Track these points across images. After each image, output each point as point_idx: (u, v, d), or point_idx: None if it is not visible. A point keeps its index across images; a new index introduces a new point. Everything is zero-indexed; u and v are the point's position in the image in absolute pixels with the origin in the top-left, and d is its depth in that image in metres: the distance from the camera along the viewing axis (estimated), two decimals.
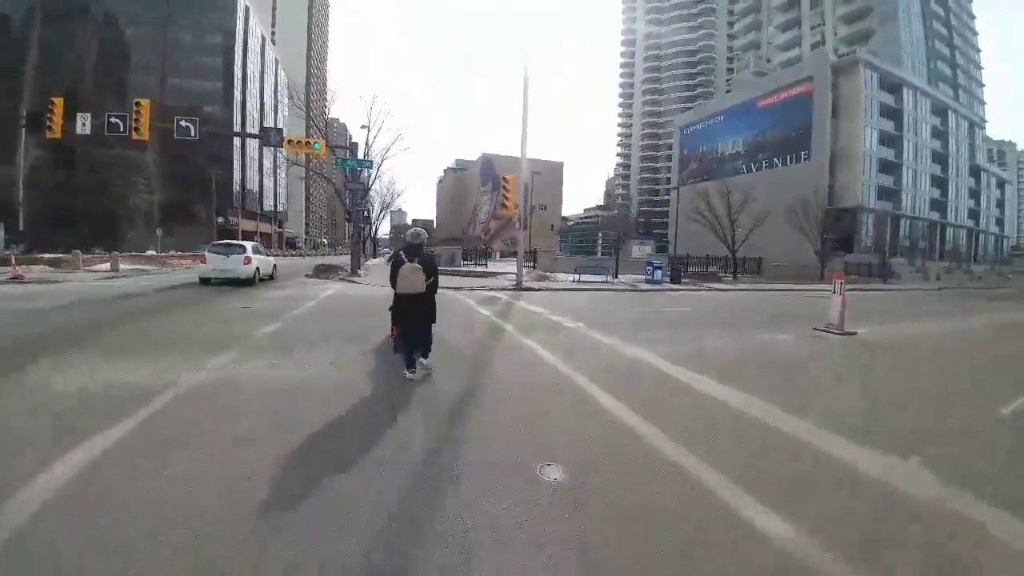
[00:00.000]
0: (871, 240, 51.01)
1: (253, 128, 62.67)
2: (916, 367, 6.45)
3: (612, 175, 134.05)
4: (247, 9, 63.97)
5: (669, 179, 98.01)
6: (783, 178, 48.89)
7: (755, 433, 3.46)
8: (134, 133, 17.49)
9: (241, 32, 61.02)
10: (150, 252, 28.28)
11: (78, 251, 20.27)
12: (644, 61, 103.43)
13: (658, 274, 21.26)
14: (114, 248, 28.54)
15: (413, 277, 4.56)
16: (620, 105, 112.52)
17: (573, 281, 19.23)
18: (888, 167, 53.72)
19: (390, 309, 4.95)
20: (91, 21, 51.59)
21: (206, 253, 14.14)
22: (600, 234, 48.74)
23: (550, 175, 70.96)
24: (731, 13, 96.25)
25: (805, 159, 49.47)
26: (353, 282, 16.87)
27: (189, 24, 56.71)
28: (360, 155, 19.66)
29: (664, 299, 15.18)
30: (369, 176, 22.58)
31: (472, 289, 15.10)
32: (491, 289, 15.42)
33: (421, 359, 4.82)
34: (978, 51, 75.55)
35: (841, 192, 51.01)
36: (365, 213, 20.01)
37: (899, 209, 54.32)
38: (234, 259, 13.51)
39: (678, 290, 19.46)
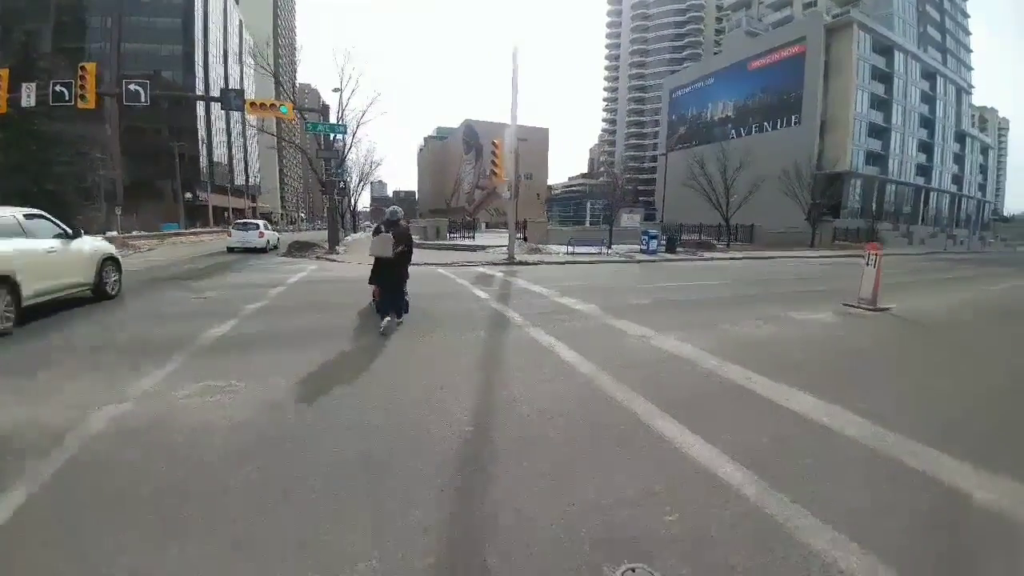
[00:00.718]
0: (859, 205, 50.98)
1: (214, 108, 58.59)
2: (989, 351, 5.65)
3: (596, 142, 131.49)
4: None
5: (655, 146, 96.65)
6: (773, 143, 47.86)
7: (920, 492, 2.50)
8: (79, 101, 15.56)
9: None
10: (112, 233, 26.13)
11: None
12: (632, 20, 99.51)
13: (653, 244, 20.34)
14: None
15: (382, 243, 5.63)
16: (606, 69, 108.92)
17: (567, 253, 18.19)
18: (877, 131, 53.21)
19: (372, 281, 6.09)
20: None
21: (231, 229, 19.79)
22: (589, 203, 47.40)
23: (535, 142, 68.69)
24: None
25: (796, 123, 48.40)
26: (331, 260, 15.51)
27: None
28: (333, 119, 17.89)
29: (667, 271, 14.25)
30: (344, 143, 20.83)
31: (462, 265, 13.93)
32: (483, 264, 14.27)
33: (396, 317, 5.82)
34: (967, 16, 74.73)
35: (830, 157, 50.43)
36: (341, 184, 18.39)
37: (886, 174, 54.23)
38: (252, 233, 18.44)
39: (676, 260, 18.61)
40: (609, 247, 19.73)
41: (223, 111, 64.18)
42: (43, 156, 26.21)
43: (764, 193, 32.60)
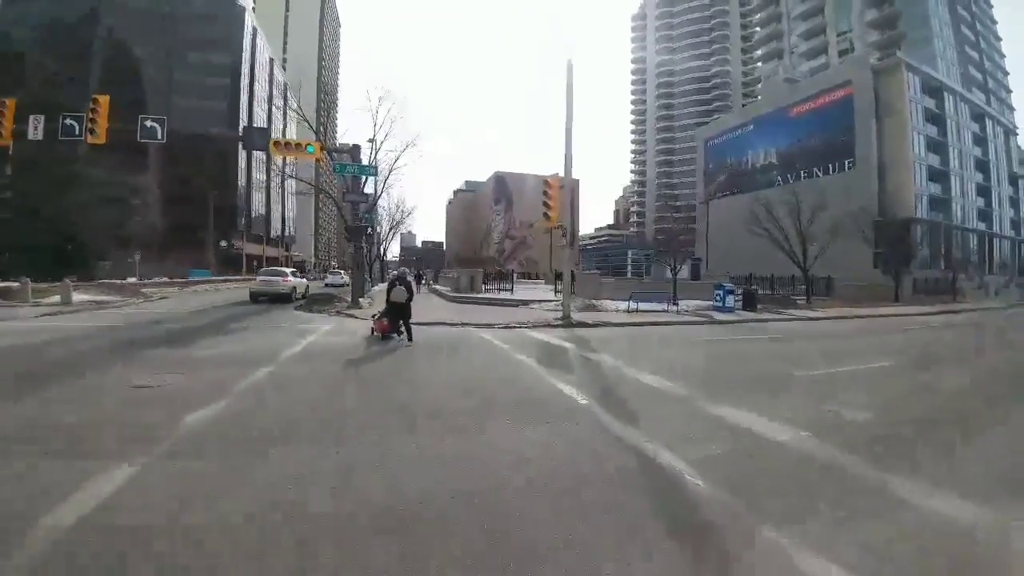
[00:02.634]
0: (928, 254, 46.69)
1: (258, 155, 60.60)
2: None
3: (622, 194, 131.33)
4: (255, 30, 62.81)
5: (680, 195, 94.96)
6: (825, 189, 44.79)
7: None
8: (89, 135, 14.40)
9: (248, 51, 59.57)
10: (132, 279, 24.95)
11: (27, 279, 16.88)
12: (656, 88, 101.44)
13: (730, 300, 17.18)
14: (90, 276, 25.31)
15: (398, 294, 8.75)
16: (633, 123, 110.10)
17: (629, 311, 15.24)
18: (936, 175, 49.85)
19: (374, 316, 9.34)
20: (97, 41, 50.02)
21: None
22: (630, 252, 44.76)
23: (566, 191, 67.69)
24: (745, 28, 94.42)
25: (850, 167, 45.46)
26: (352, 316, 13.03)
27: (195, 43, 55.31)
28: (365, 162, 16.11)
29: (786, 342, 10.99)
30: (375, 186, 19.11)
31: (508, 327, 11.15)
32: (533, 326, 11.45)
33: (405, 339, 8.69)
34: (1002, 56, 73.07)
35: (891, 202, 47.07)
36: (369, 230, 16.33)
37: (950, 219, 50.16)
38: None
39: (765, 320, 15.31)
40: (675, 303, 16.68)
41: (265, 162, 66.76)
42: (63, 201, 25.71)
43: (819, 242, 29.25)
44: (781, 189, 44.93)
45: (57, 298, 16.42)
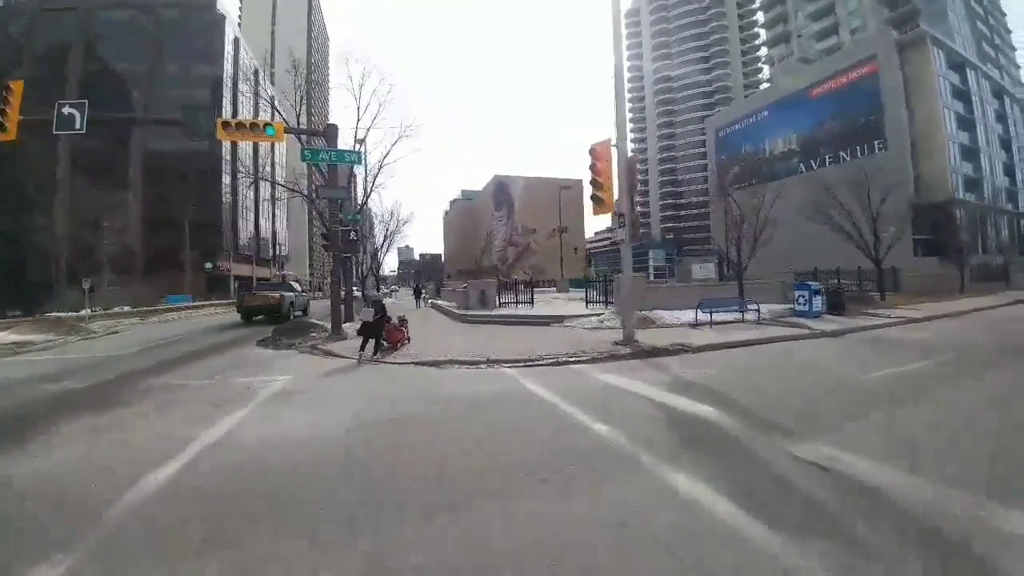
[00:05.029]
0: (968, 238, 43.17)
1: (245, 167, 57.37)
2: None
3: (618, 195, 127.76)
4: (236, 40, 59.89)
5: (684, 193, 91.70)
6: (855, 173, 41.37)
7: None
8: None
9: (230, 62, 56.56)
10: (85, 311, 21.36)
11: None
12: (655, 84, 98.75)
13: (817, 303, 13.52)
14: (37, 307, 21.76)
15: (367, 314, 9.07)
16: (632, 120, 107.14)
17: (698, 324, 11.60)
18: (967, 153, 46.61)
19: (358, 331, 9.05)
20: (73, 56, 46.86)
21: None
22: (651, 252, 41.22)
23: (571, 194, 64.19)
24: (743, 19, 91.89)
25: (881, 149, 41.95)
26: (330, 354, 9.36)
27: (174, 55, 52.36)
28: (347, 147, 12.55)
29: (943, 361, 7.33)
30: (364, 186, 15.60)
31: (559, 362, 7.48)
32: (593, 359, 7.74)
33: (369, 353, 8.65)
34: (1009, 32, 70.85)
35: (926, 184, 43.74)
36: (353, 235, 12.69)
37: (982, 200, 46.83)
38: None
39: (876, 327, 11.66)
40: (747, 309, 13.02)
41: (253, 178, 63.46)
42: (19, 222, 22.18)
43: (821, 231, 25.53)
44: (806, 176, 41.61)
45: None
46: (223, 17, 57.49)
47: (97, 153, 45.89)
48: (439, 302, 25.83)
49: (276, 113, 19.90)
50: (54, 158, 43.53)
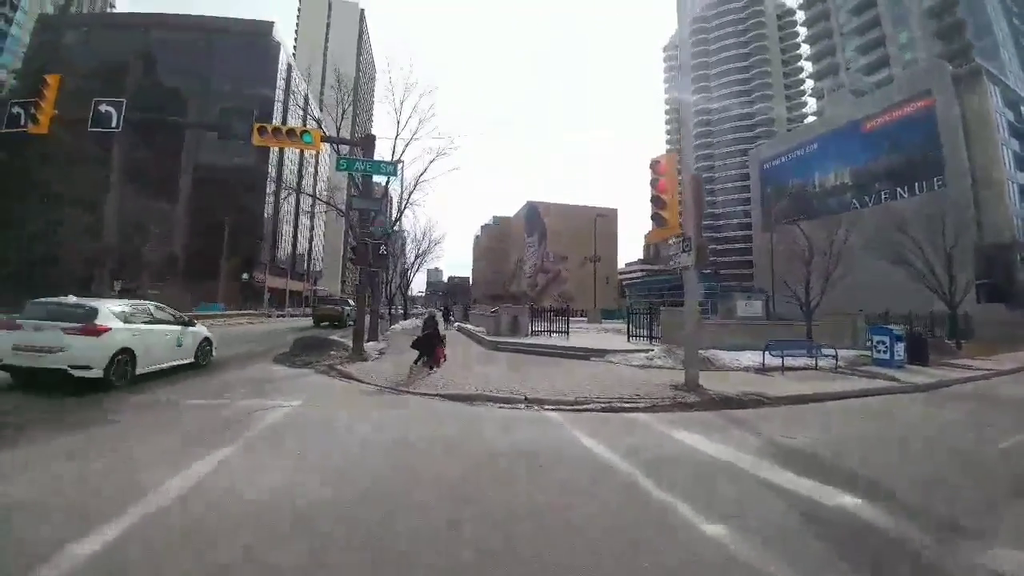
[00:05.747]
0: None
1: (286, 189, 59.46)
2: None
3: (652, 227, 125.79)
4: (290, 66, 63.04)
5: (723, 227, 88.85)
6: (911, 211, 38.71)
7: None
8: (31, 122, 11.33)
9: (282, 84, 59.29)
10: None
11: None
12: (695, 116, 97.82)
13: (899, 350, 11.75)
14: None
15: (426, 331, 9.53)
16: (668, 152, 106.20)
17: (767, 371, 10.08)
18: None
19: (413, 344, 9.56)
20: (131, 72, 50.00)
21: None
22: (703, 284, 39.09)
23: (605, 223, 63.09)
24: (785, 53, 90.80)
25: (940, 186, 39.24)
26: (349, 378, 8.38)
27: (229, 77, 55.36)
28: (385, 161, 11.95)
29: None
30: (399, 201, 15.02)
31: (611, 407, 6.22)
32: (652, 406, 6.44)
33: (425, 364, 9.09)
34: None
35: (987, 225, 40.72)
36: (383, 249, 11.93)
37: None
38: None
39: (969, 379, 9.86)
40: (816, 352, 11.37)
41: (295, 194, 65.60)
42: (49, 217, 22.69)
43: (883, 270, 22.90)
44: (858, 212, 39.24)
45: None
46: (278, 44, 60.73)
47: (149, 162, 48.38)
48: (467, 326, 24.86)
49: (318, 125, 19.92)
50: (108, 165, 45.96)
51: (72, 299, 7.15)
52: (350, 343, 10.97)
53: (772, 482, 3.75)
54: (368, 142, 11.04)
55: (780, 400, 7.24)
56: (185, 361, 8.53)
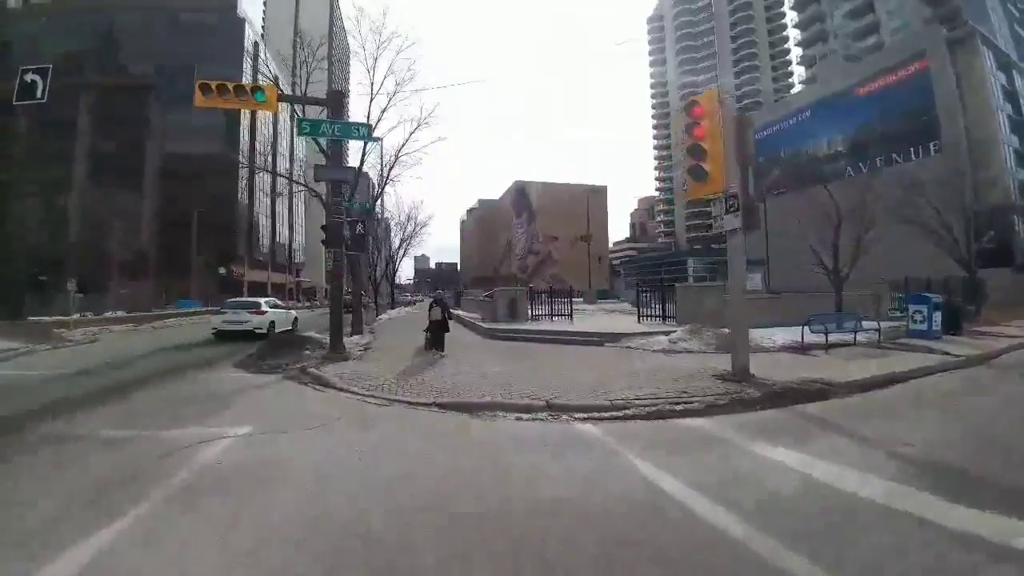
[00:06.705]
0: None
1: (261, 178, 56.43)
2: None
3: (637, 207, 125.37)
4: (256, 44, 59.31)
5: (712, 202, 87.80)
6: (907, 177, 37.92)
7: None
8: None
9: (249, 64, 55.73)
10: (77, 315, 19.52)
11: None
12: (680, 89, 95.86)
13: (937, 319, 10.66)
14: (21, 310, 19.99)
15: (433, 314, 9.24)
16: (655, 127, 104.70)
17: (807, 349, 8.87)
18: (1020, 159, 43.15)
19: (425, 330, 9.55)
20: (91, 59, 46.02)
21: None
22: (691, 261, 38.35)
23: (595, 200, 61.44)
24: (771, 22, 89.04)
25: (936, 151, 38.50)
26: (324, 386, 6.87)
27: (192, 57, 51.63)
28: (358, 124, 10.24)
29: None
30: (380, 177, 13.35)
31: (660, 413, 4.85)
32: (704, 407, 5.09)
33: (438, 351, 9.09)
34: None
35: (983, 189, 40.51)
36: (359, 230, 10.29)
37: None
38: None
39: (1009, 350, 8.81)
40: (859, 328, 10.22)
41: (271, 182, 62.37)
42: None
43: (900, 237, 21.88)
44: (854, 180, 38.36)
45: None
46: (243, 21, 56.92)
47: (112, 154, 45.13)
48: (458, 312, 23.37)
49: (275, 84, 17.87)
50: (71, 157, 42.68)
51: (249, 299, 16.18)
52: (327, 340, 9.43)
53: (945, 527, 2.43)
54: (335, 100, 9.32)
55: (848, 388, 5.99)
56: (289, 328, 15.53)
